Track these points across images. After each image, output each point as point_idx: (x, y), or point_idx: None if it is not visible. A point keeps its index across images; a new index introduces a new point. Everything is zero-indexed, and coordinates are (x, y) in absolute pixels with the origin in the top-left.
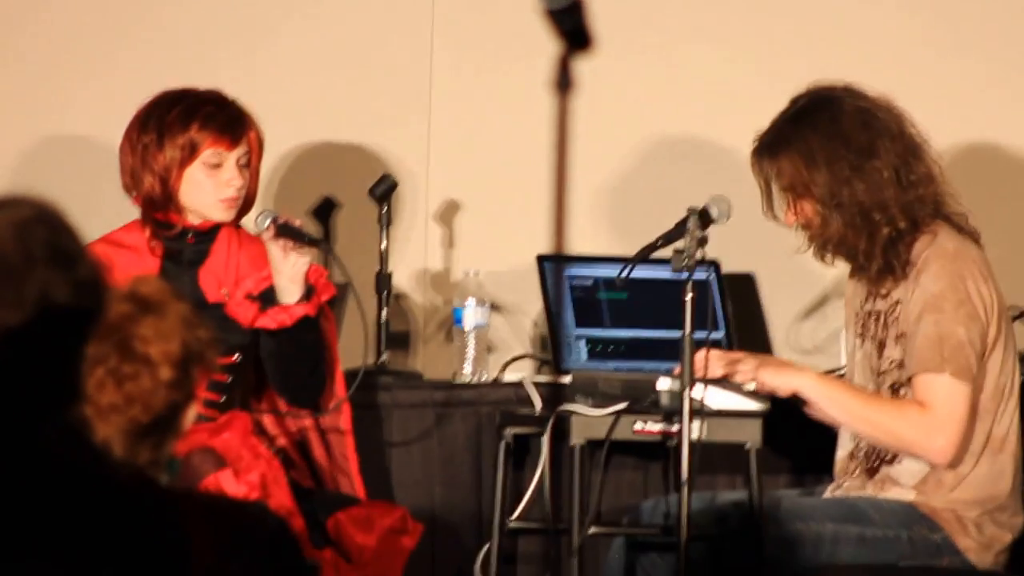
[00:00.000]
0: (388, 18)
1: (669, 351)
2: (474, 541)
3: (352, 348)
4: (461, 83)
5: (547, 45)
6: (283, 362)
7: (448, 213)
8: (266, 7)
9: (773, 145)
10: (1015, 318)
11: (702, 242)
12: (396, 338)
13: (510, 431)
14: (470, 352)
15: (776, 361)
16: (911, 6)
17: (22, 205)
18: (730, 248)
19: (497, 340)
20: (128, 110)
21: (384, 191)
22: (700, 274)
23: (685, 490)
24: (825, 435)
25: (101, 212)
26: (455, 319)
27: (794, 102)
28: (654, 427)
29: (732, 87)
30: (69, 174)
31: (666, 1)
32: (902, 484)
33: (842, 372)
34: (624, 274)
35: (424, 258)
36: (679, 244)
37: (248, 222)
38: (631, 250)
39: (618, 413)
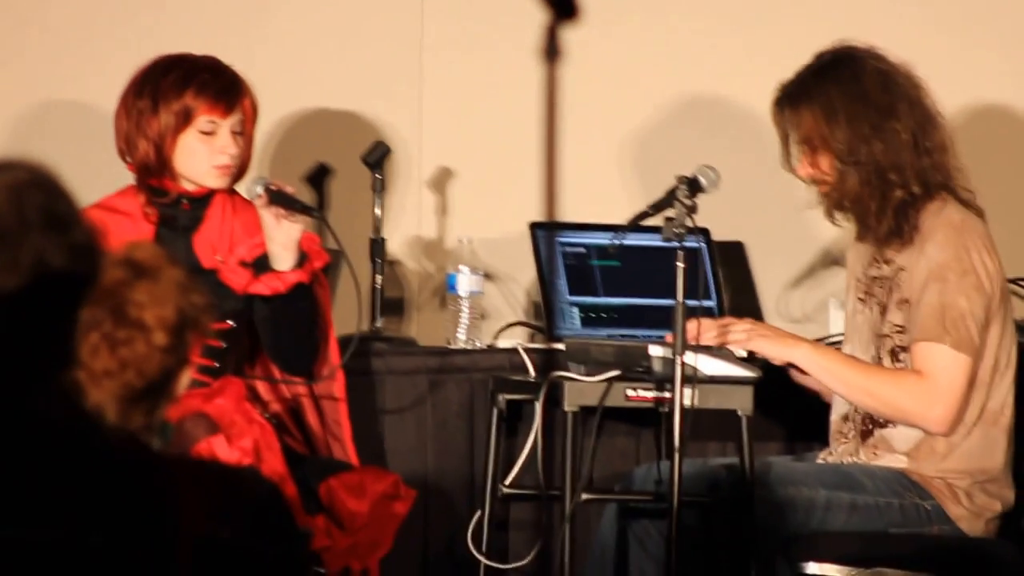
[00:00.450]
0: None
1: (661, 319)
2: (467, 507)
3: (347, 315)
4: (452, 50)
5: (536, 14)
6: (276, 328)
7: (441, 180)
8: None
9: (795, 97)
10: (1012, 281)
11: (692, 210)
12: (390, 305)
13: (503, 397)
14: (464, 319)
15: (772, 330)
16: None
17: (18, 169)
18: (720, 216)
19: (490, 307)
20: (124, 76)
21: (377, 158)
22: (691, 242)
23: (677, 456)
24: (816, 401)
25: (96, 177)
26: (449, 286)
27: (818, 57)
28: (646, 394)
29: (721, 54)
30: (65, 139)
31: None
32: (895, 448)
33: (833, 341)
34: (615, 242)
35: (418, 225)
36: (669, 212)
37: (243, 189)
38: (623, 218)
39: (611, 380)
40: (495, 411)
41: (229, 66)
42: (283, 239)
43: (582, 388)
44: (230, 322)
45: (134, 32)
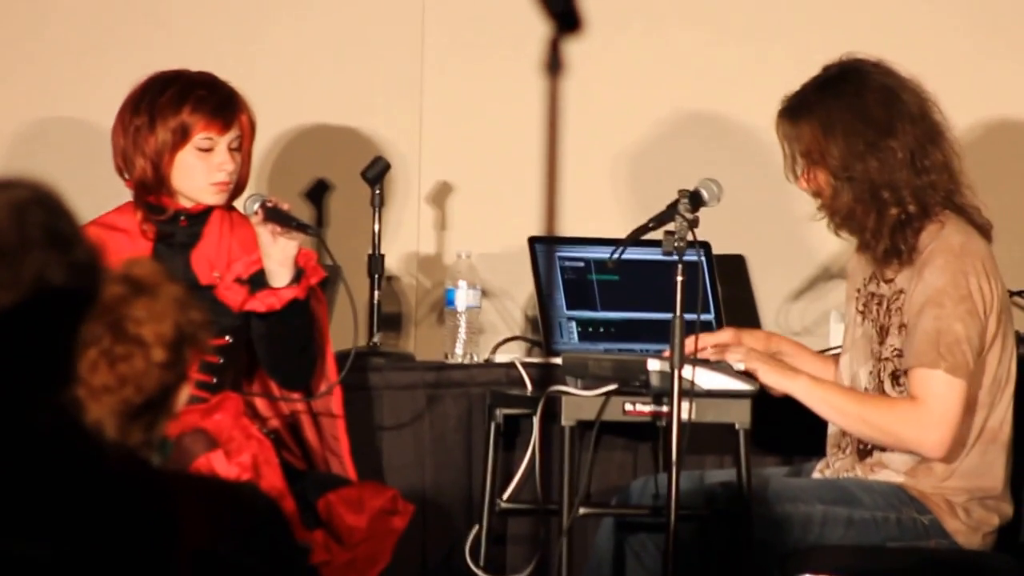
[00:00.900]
0: (380, 0)
1: (660, 333)
2: (464, 521)
3: (345, 330)
4: (453, 65)
5: (537, 27)
6: (273, 344)
7: (440, 195)
8: None
9: (795, 110)
10: (1014, 294)
11: (693, 224)
12: (388, 320)
13: (501, 412)
14: (462, 333)
15: (768, 359)
16: None
17: (19, 187)
18: (721, 230)
19: (488, 322)
20: (122, 92)
21: (376, 173)
22: (691, 256)
23: (674, 470)
24: (814, 416)
25: (95, 194)
26: (447, 301)
27: (825, 70)
28: (644, 408)
29: (722, 68)
30: (63, 156)
31: None
32: (892, 466)
33: (833, 352)
34: (615, 256)
35: (416, 240)
36: (670, 226)
37: (241, 205)
38: (622, 232)
39: (608, 394)
40: (493, 425)
41: (226, 82)
42: (279, 256)
43: (579, 402)
44: (228, 338)
45: (132, 48)
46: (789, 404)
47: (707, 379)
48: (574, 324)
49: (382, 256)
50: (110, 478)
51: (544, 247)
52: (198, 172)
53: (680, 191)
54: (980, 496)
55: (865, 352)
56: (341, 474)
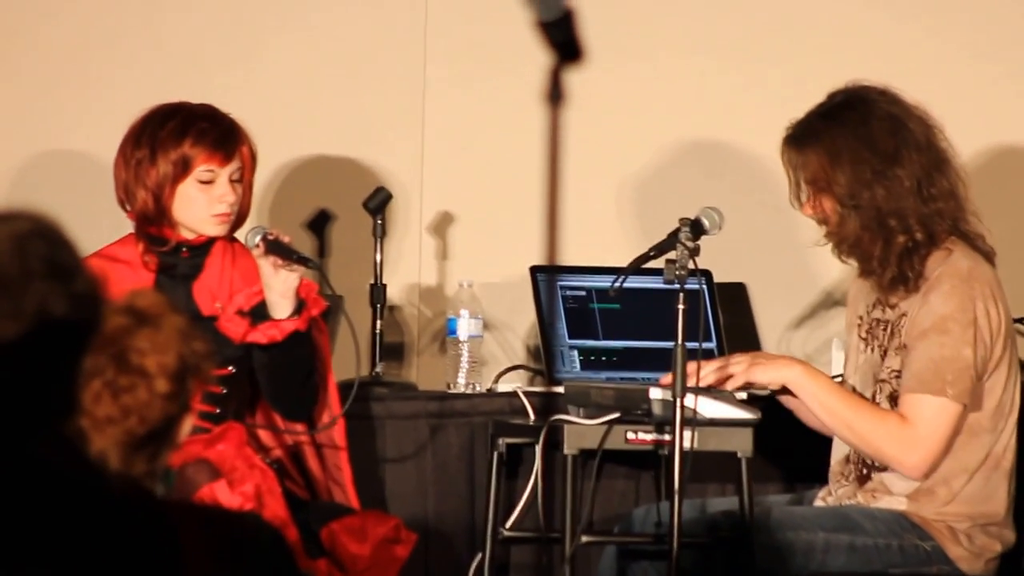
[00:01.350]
0: (381, 31)
1: (661, 361)
2: (467, 550)
3: (348, 360)
4: (454, 95)
5: (539, 57)
6: (275, 376)
7: (442, 225)
8: (260, 21)
9: (801, 138)
10: (1017, 320)
11: (694, 252)
12: (390, 349)
13: (503, 441)
14: (464, 363)
15: (767, 355)
16: (890, 9)
17: (20, 219)
18: (722, 258)
19: (490, 351)
20: (123, 124)
21: (378, 203)
22: (692, 284)
23: (677, 498)
24: (816, 443)
25: (97, 226)
26: (449, 330)
27: (830, 97)
28: (646, 436)
29: (723, 97)
30: (65, 188)
31: (656, 12)
32: (894, 492)
33: (835, 379)
34: (616, 285)
35: (418, 270)
36: (671, 254)
37: (243, 236)
38: (624, 261)
39: (610, 423)
40: (495, 455)
41: (227, 114)
42: (281, 288)
43: (582, 431)
44: (231, 368)
45: (132, 80)
46: (791, 432)
47: (709, 407)
48: (576, 353)
49: (384, 286)
50: (114, 509)
51: (546, 276)
52: (199, 204)
53: (681, 219)
54: (983, 522)
55: (868, 379)
56: (344, 503)
